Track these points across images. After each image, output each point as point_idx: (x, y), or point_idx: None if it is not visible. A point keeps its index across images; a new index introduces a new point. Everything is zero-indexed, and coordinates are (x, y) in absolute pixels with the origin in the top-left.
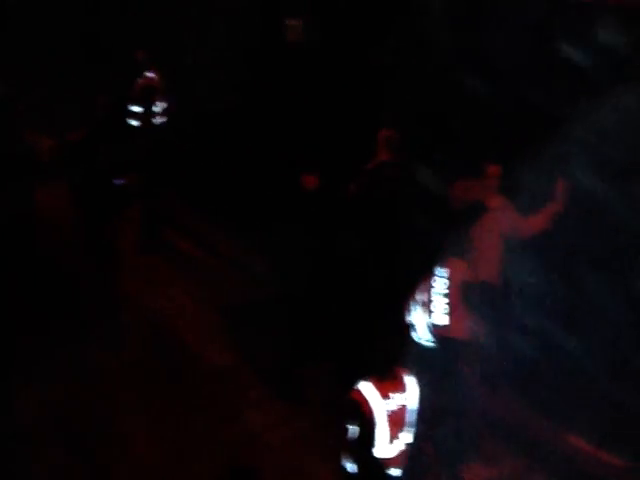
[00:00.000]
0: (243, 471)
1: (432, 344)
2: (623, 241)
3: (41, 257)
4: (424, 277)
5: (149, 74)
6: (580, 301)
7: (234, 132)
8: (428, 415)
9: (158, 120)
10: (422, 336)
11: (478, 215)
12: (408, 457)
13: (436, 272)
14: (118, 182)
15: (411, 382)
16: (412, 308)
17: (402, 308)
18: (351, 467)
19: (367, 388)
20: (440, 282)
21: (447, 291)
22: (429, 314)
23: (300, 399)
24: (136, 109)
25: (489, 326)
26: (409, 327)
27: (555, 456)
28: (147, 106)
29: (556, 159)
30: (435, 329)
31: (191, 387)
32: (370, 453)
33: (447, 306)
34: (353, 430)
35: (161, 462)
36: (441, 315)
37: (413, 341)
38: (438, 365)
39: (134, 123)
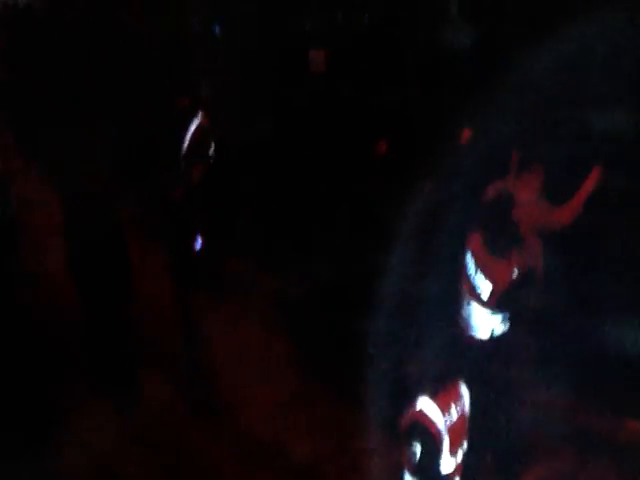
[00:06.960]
0: None
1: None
2: None
3: None
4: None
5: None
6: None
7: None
8: (481, 420)
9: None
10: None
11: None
12: (466, 466)
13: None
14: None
15: (464, 389)
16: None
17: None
18: None
19: (426, 404)
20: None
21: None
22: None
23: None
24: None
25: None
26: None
27: (614, 443)
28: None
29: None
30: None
31: None
32: (437, 470)
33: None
34: (416, 449)
35: None
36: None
37: (464, 344)
38: (486, 364)
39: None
